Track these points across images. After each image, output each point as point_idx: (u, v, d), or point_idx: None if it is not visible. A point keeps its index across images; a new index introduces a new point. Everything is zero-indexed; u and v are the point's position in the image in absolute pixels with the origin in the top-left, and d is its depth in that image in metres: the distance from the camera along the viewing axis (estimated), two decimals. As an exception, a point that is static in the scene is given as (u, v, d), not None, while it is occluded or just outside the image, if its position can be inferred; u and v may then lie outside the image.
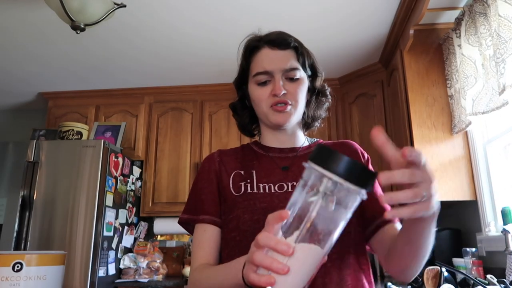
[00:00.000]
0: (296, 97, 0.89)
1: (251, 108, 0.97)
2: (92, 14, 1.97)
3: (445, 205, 2.56)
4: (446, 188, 2.18)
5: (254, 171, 0.91)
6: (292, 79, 0.89)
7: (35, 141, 2.74)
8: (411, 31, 2.24)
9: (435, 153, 2.23)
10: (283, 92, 0.87)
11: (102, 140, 2.70)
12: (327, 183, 0.48)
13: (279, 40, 0.90)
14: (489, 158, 2.11)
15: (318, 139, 1.03)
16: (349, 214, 0.50)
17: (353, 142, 1.00)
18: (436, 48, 2.37)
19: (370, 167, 0.97)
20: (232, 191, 0.89)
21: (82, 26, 1.98)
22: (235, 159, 0.95)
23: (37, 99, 3.67)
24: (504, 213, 1.83)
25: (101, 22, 2.04)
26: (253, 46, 0.93)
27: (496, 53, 1.65)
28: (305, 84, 0.92)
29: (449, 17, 2.27)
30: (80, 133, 3.03)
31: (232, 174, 0.91)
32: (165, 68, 3.11)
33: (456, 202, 2.30)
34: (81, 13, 1.94)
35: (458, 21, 2.10)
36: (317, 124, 1.00)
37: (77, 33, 2.00)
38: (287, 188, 0.87)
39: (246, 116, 0.99)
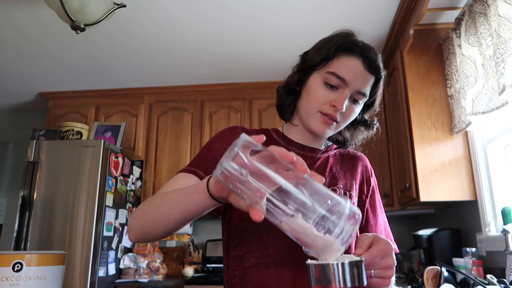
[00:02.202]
0: (346, 119, 0.88)
1: (299, 94, 0.92)
2: (92, 14, 1.97)
3: (445, 205, 2.59)
4: (446, 188, 2.18)
5: None
6: (355, 101, 0.86)
7: (35, 141, 2.74)
8: (411, 31, 2.24)
9: (435, 153, 2.23)
10: (343, 110, 0.84)
11: (102, 140, 2.70)
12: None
13: (374, 65, 0.85)
14: (489, 158, 2.11)
15: (332, 143, 1.01)
16: None
17: (366, 158, 1.00)
18: (436, 48, 2.37)
19: (375, 178, 0.99)
20: None
21: (82, 26, 1.98)
22: None
23: (37, 99, 3.67)
24: (504, 213, 1.83)
25: (101, 22, 2.04)
26: (348, 47, 0.85)
27: (496, 53, 1.65)
28: (359, 109, 0.89)
29: (449, 17, 2.27)
30: (80, 133, 3.03)
31: None
32: (165, 68, 3.11)
33: (456, 202, 2.31)
34: (81, 13, 1.94)
35: (458, 21, 2.10)
36: (349, 148, 0.98)
37: (77, 33, 2.00)
38: None
39: (292, 101, 0.93)
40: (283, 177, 0.51)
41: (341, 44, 0.85)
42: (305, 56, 0.92)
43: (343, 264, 0.52)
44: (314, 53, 0.89)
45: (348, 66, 0.84)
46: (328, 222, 0.50)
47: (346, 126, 0.93)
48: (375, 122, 0.96)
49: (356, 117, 0.92)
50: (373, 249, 0.62)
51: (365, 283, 0.54)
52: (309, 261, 0.55)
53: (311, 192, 0.51)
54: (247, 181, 0.51)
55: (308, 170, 0.51)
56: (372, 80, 0.86)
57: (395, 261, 0.65)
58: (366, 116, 0.94)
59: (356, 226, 0.51)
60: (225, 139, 0.91)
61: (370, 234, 0.67)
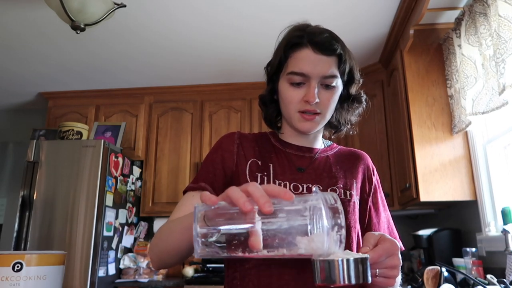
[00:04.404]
0: (327, 107, 0.86)
1: (278, 102, 0.93)
2: (92, 14, 1.97)
3: (445, 205, 2.59)
4: (446, 188, 2.18)
5: (271, 165, 0.89)
6: (328, 86, 0.85)
7: (35, 141, 2.74)
8: (411, 31, 2.24)
9: (435, 153, 2.23)
10: (316, 100, 0.83)
11: (102, 140, 2.70)
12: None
13: (325, 45, 0.83)
14: (489, 158, 2.11)
15: (332, 142, 1.01)
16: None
17: (367, 156, 0.99)
18: (436, 48, 2.37)
19: (377, 177, 0.98)
20: (248, 179, 0.87)
21: (82, 26, 1.98)
22: (253, 146, 0.93)
23: (37, 99, 3.67)
24: (504, 213, 1.83)
25: (101, 22, 2.04)
26: (295, 42, 0.86)
27: (496, 53, 1.65)
28: (339, 91, 0.88)
29: (449, 17, 2.27)
30: (80, 133, 3.03)
31: (250, 161, 0.90)
32: (165, 68, 3.12)
33: (456, 202, 2.31)
34: (81, 13, 1.94)
35: (458, 21, 2.10)
36: (345, 128, 0.96)
37: (77, 33, 2.00)
38: (302, 190, 0.86)
39: (273, 110, 0.95)
40: (243, 222, 0.51)
41: (287, 43, 0.87)
42: (267, 67, 0.94)
43: (348, 260, 0.52)
44: (272, 60, 0.91)
45: (302, 60, 0.84)
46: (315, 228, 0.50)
47: (337, 109, 0.93)
48: (362, 95, 0.94)
49: (342, 96, 0.91)
50: (379, 248, 0.62)
51: (370, 280, 0.54)
52: (313, 257, 0.55)
53: (281, 216, 0.51)
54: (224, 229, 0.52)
55: (292, 197, 0.50)
56: (332, 59, 0.85)
57: (401, 261, 0.64)
58: (353, 91, 0.93)
59: (340, 215, 0.51)
60: (224, 148, 0.92)
61: (376, 233, 0.66)
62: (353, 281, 0.53)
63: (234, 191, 0.51)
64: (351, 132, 0.99)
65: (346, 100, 0.92)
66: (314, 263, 0.54)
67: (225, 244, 0.52)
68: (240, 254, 0.52)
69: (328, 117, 0.89)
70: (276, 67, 0.89)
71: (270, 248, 0.51)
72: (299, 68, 0.84)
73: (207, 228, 0.51)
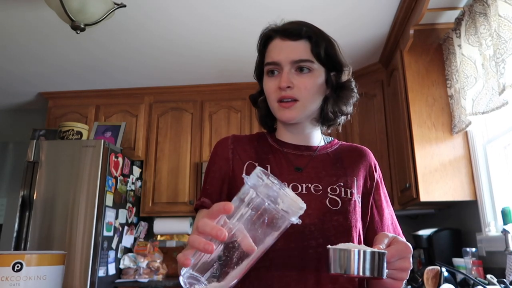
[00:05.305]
0: (304, 92, 0.84)
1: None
2: (92, 14, 1.97)
3: (445, 205, 2.59)
4: (446, 188, 2.18)
5: (269, 166, 0.88)
6: (302, 70, 0.85)
7: (35, 141, 2.74)
8: (411, 31, 2.24)
9: (435, 153, 2.23)
10: (288, 85, 0.83)
11: (102, 140, 2.71)
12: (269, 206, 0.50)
13: (290, 30, 0.86)
14: (489, 158, 2.11)
15: (333, 138, 0.99)
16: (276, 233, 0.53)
17: (369, 152, 0.97)
18: (436, 48, 2.37)
19: (379, 173, 0.97)
20: None
21: (82, 26, 1.98)
22: (250, 148, 0.92)
23: (37, 99, 3.67)
24: (504, 213, 1.83)
25: (101, 22, 2.04)
26: (267, 36, 0.90)
27: (496, 53, 1.65)
28: (318, 77, 0.86)
29: (449, 17, 2.27)
30: (80, 133, 3.03)
31: (246, 164, 0.89)
32: (165, 68, 3.12)
33: (456, 202, 2.31)
34: (81, 13, 1.94)
35: (458, 21, 2.10)
36: (340, 120, 0.93)
37: (77, 33, 2.00)
38: (301, 190, 0.84)
39: (264, 109, 0.95)
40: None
41: (261, 39, 0.92)
42: (254, 73, 0.98)
43: (364, 252, 0.52)
44: (256, 64, 0.96)
45: (273, 49, 0.88)
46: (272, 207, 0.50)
47: (329, 101, 0.90)
48: (350, 81, 0.92)
49: (331, 85, 0.89)
50: (392, 248, 0.62)
51: (384, 275, 0.54)
52: (330, 246, 0.54)
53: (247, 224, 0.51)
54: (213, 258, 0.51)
55: (222, 235, 0.50)
56: (301, 43, 0.85)
57: (412, 264, 0.64)
58: (344, 78, 0.91)
59: (269, 176, 0.51)
60: (219, 156, 0.92)
61: (390, 234, 0.66)
62: (367, 274, 0.52)
63: (191, 241, 0.51)
64: (344, 120, 0.96)
65: (335, 88, 0.91)
66: (330, 251, 0.54)
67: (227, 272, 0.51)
68: (241, 267, 0.51)
69: (309, 104, 0.87)
70: (259, 66, 0.93)
71: (260, 242, 0.51)
72: (271, 58, 0.87)
73: (205, 276, 0.51)
